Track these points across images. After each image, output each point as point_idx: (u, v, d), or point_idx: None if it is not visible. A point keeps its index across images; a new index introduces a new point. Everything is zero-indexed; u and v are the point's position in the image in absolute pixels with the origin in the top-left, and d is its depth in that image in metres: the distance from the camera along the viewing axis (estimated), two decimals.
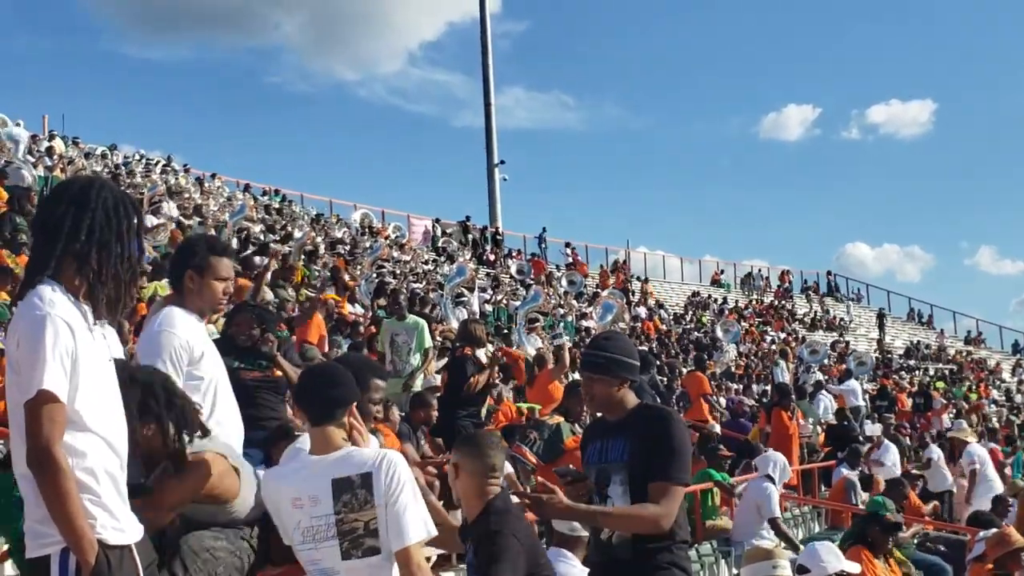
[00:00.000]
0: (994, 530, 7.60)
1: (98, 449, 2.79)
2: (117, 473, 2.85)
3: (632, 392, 3.94)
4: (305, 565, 3.29)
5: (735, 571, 8.64)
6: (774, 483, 9.34)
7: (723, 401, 18.74)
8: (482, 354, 10.61)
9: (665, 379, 18.38)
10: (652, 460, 3.71)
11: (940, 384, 30.77)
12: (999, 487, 13.76)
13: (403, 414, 8.69)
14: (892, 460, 14.32)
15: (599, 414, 4.08)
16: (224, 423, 3.98)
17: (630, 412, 3.88)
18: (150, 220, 15.40)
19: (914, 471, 14.09)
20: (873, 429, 17.41)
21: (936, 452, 14.89)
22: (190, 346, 3.95)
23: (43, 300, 2.74)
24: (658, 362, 20.35)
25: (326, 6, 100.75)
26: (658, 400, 10.46)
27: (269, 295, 12.32)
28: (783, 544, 8.80)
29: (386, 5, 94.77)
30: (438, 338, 13.64)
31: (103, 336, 2.95)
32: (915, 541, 9.84)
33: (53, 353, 2.68)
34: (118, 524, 2.81)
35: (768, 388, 21.72)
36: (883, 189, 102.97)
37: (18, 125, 23.70)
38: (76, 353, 2.74)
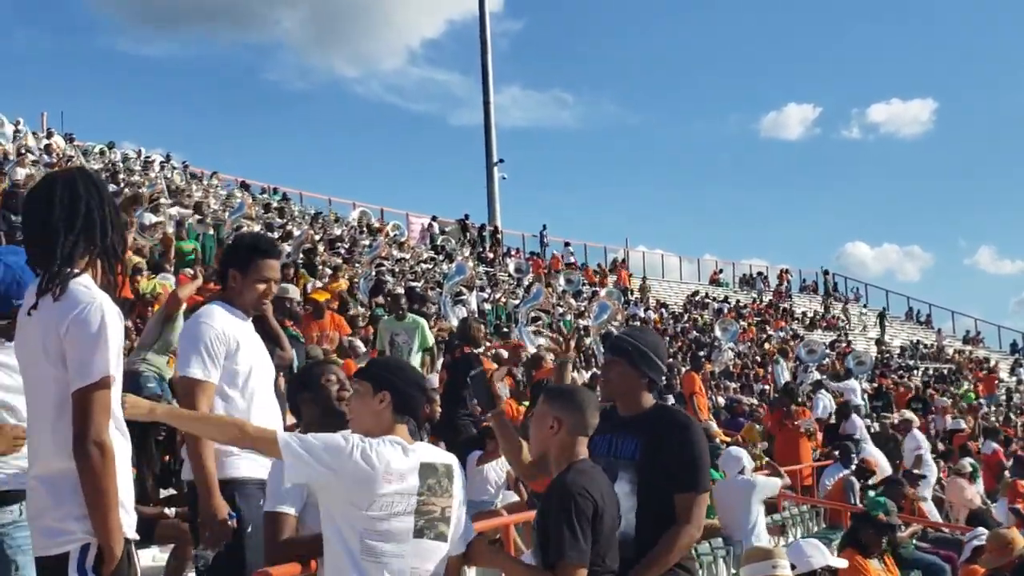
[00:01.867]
0: (987, 532, 7.60)
1: (121, 443, 2.80)
2: (129, 468, 2.86)
3: (650, 393, 3.91)
4: (369, 535, 3.18)
5: (733, 571, 8.63)
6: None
7: (721, 400, 18.77)
8: (501, 387, 10.54)
9: (664, 379, 18.36)
10: (674, 469, 3.68)
11: (937, 385, 30.80)
12: (934, 473, 14.05)
13: None
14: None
15: (609, 404, 4.01)
16: (263, 413, 4.09)
17: (647, 411, 3.85)
18: (148, 218, 15.36)
19: (915, 471, 14.10)
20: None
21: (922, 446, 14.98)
22: (227, 337, 4.05)
23: (90, 288, 2.76)
24: None
25: (327, 2, 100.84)
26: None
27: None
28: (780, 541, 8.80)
29: (387, 2, 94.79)
30: (435, 335, 13.63)
31: None
32: (913, 541, 9.84)
33: (112, 341, 2.70)
34: (130, 520, 2.82)
35: (766, 388, 21.75)
36: (883, 188, 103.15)
37: (17, 124, 23.65)
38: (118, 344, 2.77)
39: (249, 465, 3.98)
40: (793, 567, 5.73)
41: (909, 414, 17.50)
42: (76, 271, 2.79)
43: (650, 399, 3.90)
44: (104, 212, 2.86)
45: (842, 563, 6.04)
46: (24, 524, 3.08)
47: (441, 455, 3.41)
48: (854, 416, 16.15)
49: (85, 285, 2.76)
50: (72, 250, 2.80)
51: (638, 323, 28.16)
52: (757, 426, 16.23)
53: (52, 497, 2.71)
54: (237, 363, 4.06)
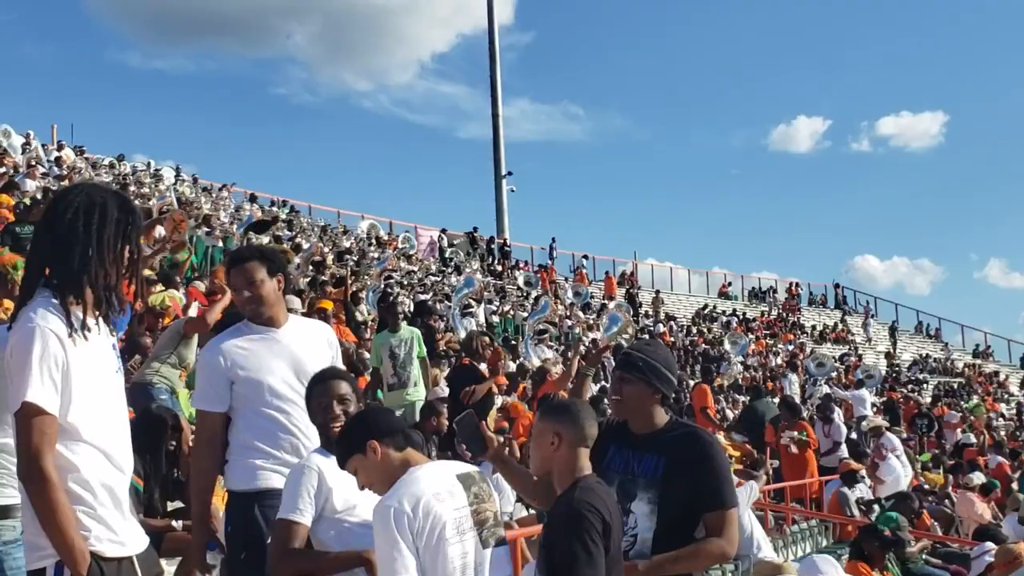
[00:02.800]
0: (995, 547, 7.57)
1: (94, 461, 2.78)
2: (115, 485, 2.84)
3: (663, 408, 3.80)
4: (452, 561, 3.19)
5: None
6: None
7: (730, 414, 18.70)
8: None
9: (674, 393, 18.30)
10: (700, 487, 3.59)
11: (947, 400, 30.70)
12: (904, 476, 14.11)
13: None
14: (893, 476, 14.28)
15: (615, 419, 3.91)
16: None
17: (663, 428, 3.74)
18: (159, 231, 15.39)
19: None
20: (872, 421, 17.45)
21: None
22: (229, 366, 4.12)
23: (36, 313, 2.73)
24: None
25: (338, 16, 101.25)
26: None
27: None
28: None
29: (398, 16, 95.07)
30: (443, 348, 13.64)
31: (112, 347, 2.95)
32: (923, 556, 9.80)
33: (41, 365, 2.67)
34: (115, 536, 2.79)
35: (776, 400, 21.69)
36: (893, 201, 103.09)
37: (27, 136, 23.78)
38: (68, 365, 2.72)
39: (279, 478, 3.96)
40: None
41: (877, 419, 17.40)
42: (40, 293, 2.79)
43: (663, 415, 3.79)
44: (91, 234, 2.83)
45: None
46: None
47: (464, 465, 3.45)
48: (890, 435, 15.86)
49: (35, 309, 2.75)
50: (37, 273, 2.82)
51: (646, 336, 28.16)
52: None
53: (28, 512, 2.71)
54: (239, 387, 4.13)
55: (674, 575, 3.58)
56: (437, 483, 3.22)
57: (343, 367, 4.42)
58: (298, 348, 4.22)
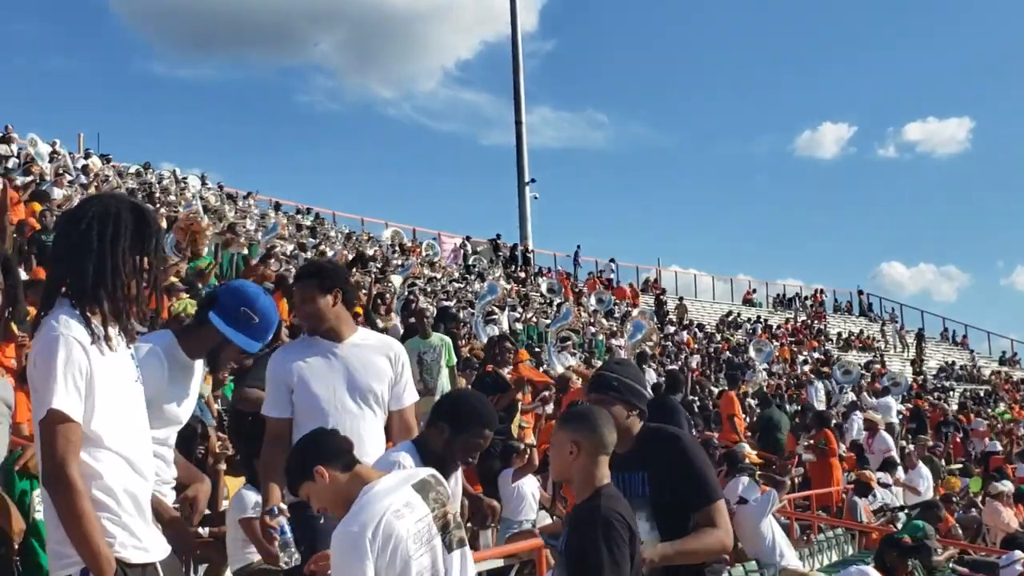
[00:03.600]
0: (1022, 555, 7.49)
1: (117, 468, 2.80)
2: (139, 492, 2.86)
3: (638, 420, 3.85)
4: (421, 574, 3.19)
5: None
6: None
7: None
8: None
9: (697, 399, 18.27)
10: (682, 490, 3.65)
11: (974, 407, 30.47)
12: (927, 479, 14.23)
13: None
14: (925, 484, 14.21)
15: None
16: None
17: (638, 439, 3.80)
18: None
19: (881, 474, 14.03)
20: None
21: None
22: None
23: (58, 322, 2.75)
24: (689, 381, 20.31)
25: (365, 24, 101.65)
26: (692, 422, 10.38)
27: None
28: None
29: (424, 24, 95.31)
30: (467, 355, 13.64)
31: (131, 357, 2.97)
32: (951, 565, 9.71)
33: (65, 373, 2.69)
34: (139, 543, 2.81)
35: (799, 408, 21.58)
36: (919, 208, 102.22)
37: (53, 145, 23.99)
38: (91, 373, 2.74)
39: None
40: None
41: (872, 414, 17.28)
42: (62, 302, 2.81)
43: (636, 424, 3.85)
44: (105, 244, 2.83)
45: None
46: None
47: (416, 471, 3.45)
48: (883, 433, 15.99)
49: (58, 319, 2.76)
50: (57, 282, 2.84)
51: (669, 343, 28.11)
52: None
53: (51, 521, 2.73)
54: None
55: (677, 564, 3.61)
56: (394, 498, 3.18)
57: (411, 380, 4.60)
58: (356, 361, 4.37)
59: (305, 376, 4.30)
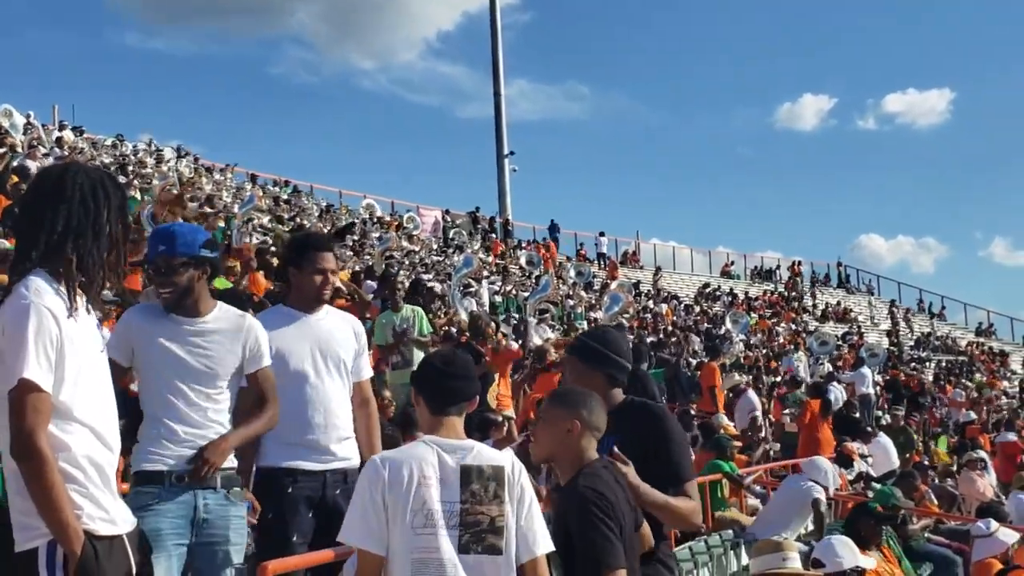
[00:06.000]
0: (994, 523, 7.56)
1: (85, 439, 2.77)
2: (105, 464, 2.83)
3: (617, 390, 3.81)
4: (411, 552, 2.97)
5: (744, 563, 8.60)
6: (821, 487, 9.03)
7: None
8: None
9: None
10: (659, 464, 3.60)
11: (950, 378, 30.74)
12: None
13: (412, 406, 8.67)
14: (885, 454, 14.31)
15: None
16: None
17: (618, 408, 3.73)
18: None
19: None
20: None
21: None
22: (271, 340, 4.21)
23: (28, 289, 2.72)
24: (670, 353, 20.34)
25: None
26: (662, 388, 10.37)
27: None
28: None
29: None
30: (444, 327, 13.60)
31: (96, 326, 2.93)
32: (926, 534, 9.79)
33: (36, 342, 2.66)
34: (106, 515, 2.79)
35: (777, 380, 21.69)
36: (898, 180, 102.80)
37: (28, 117, 23.74)
38: (61, 343, 2.71)
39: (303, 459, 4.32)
40: (821, 564, 5.57)
41: (738, 377, 17.33)
42: (32, 270, 2.76)
43: (619, 395, 3.81)
44: (76, 210, 2.80)
45: (871, 563, 5.86)
46: None
47: (490, 455, 3.18)
48: (750, 393, 15.93)
49: (28, 286, 2.73)
50: (28, 249, 2.80)
51: (647, 316, 28.14)
52: None
53: (17, 491, 2.70)
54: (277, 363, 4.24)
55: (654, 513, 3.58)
56: (433, 468, 3.04)
57: (368, 356, 4.74)
58: (325, 332, 4.48)
59: (276, 344, 4.26)
